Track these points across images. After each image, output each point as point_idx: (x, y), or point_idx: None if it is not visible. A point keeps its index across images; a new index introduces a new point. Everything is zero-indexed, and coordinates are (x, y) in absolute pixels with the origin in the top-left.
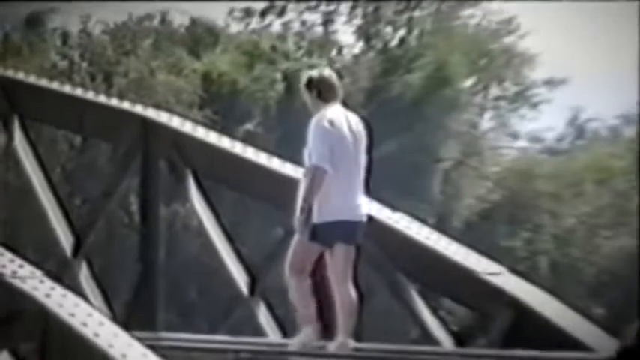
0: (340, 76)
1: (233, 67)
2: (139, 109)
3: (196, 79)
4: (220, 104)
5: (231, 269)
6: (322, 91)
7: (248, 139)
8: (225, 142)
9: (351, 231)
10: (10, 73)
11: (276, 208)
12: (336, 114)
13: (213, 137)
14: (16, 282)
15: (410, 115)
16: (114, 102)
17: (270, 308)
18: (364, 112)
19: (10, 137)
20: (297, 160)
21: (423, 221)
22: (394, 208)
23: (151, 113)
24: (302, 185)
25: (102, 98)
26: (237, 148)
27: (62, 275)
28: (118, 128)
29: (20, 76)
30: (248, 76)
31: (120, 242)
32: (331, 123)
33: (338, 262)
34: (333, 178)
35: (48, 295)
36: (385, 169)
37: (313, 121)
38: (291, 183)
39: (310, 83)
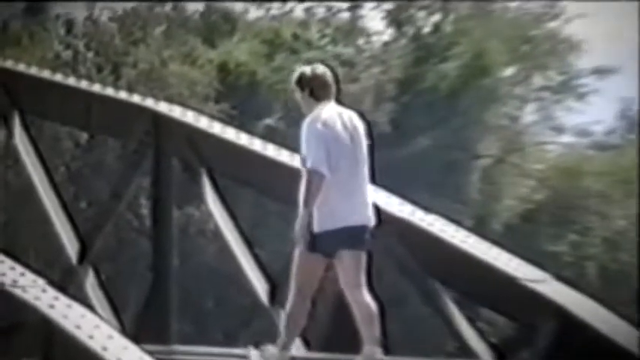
0: (335, 73)
1: (252, 56)
2: (149, 103)
3: (212, 70)
4: (238, 97)
5: (249, 276)
6: (315, 89)
7: (268, 135)
8: (243, 139)
9: (356, 236)
10: (9, 64)
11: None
12: (330, 113)
13: (230, 133)
14: (17, 291)
15: (445, 107)
16: (122, 95)
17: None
18: (394, 105)
19: (10, 134)
20: None
21: (459, 223)
22: (427, 209)
23: (163, 107)
24: (300, 192)
25: (109, 91)
26: (257, 145)
27: (67, 284)
28: (127, 124)
29: (20, 67)
30: (268, 67)
31: (129, 248)
32: (325, 124)
33: (347, 269)
34: (332, 182)
35: (51, 306)
36: (418, 166)
37: (305, 123)
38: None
39: (302, 81)
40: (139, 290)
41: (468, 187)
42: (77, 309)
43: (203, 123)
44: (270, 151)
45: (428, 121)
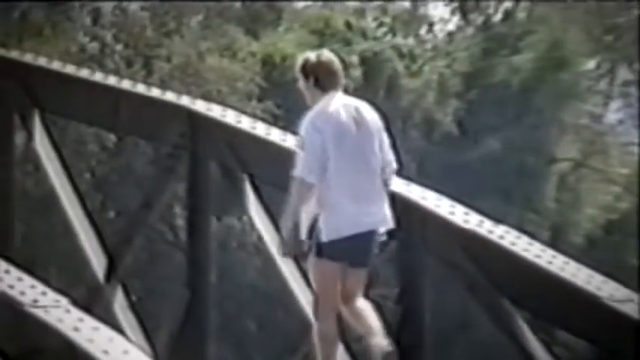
0: (343, 61)
1: (300, 49)
2: (185, 101)
3: (255, 64)
4: (284, 95)
5: (297, 295)
6: (320, 77)
7: None
8: (289, 141)
9: (362, 249)
10: (28, 58)
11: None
12: (333, 106)
13: (275, 135)
14: (38, 312)
15: (517, 105)
16: (155, 93)
17: (345, 343)
18: (460, 102)
19: (30, 137)
20: None
21: (533, 236)
22: (497, 219)
23: (200, 106)
24: (288, 202)
25: (140, 88)
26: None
27: (93, 304)
28: (159, 125)
29: (41, 62)
30: None
31: (162, 263)
32: (326, 118)
33: (347, 285)
34: (337, 185)
35: (76, 329)
36: (487, 171)
37: (308, 117)
38: None
39: (306, 68)
40: (173, 311)
41: (543, 195)
42: (104, 332)
43: (245, 123)
44: None
45: (498, 120)
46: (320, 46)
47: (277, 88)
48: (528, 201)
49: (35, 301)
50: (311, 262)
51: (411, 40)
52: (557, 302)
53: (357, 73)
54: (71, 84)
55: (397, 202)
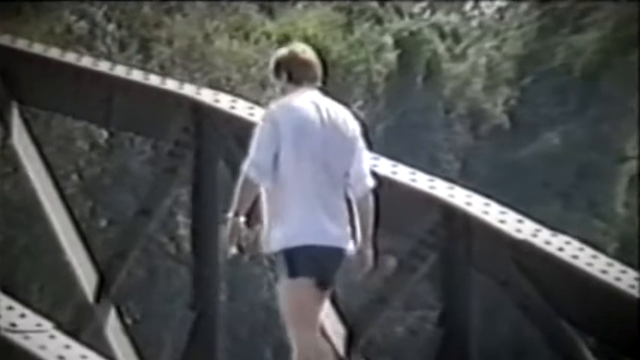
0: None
1: (323, 28)
2: (188, 90)
3: (270, 46)
4: None
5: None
6: (293, 71)
7: None
8: None
9: (325, 262)
10: (5, 40)
11: (384, 230)
12: (299, 100)
13: None
14: (16, 338)
15: (580, 93)
16: (153, 81)
17: None
18: (513, 90)
19: (7, 133)
20: (414, 160)
21: (598, 247)
22: (556, 227)
23: (206, 96)
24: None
25: (136, 75)
26: None
27: (81, 328)
28: (159, 118)
29: (21, 45)
30: (345, 42)
31: (163, 280)
32: (288, 111)
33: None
34: (290, 189)
35: (61, 357)
36: (543, 170)
37: (266, 110)
38: (408, 194)
39: (278, 64)
40: (176, 335)
41: (610, 199)
42: None
43: (258, 116)
44: None
45: (556, 111)
46: (347, 24)
47: None
48: (593, 206)
49: (13, 325)
50: (280, 285)
51: (454, 18)
52: (627, 325)
53: (390, 56)
54: (55, 71)
55: (437, 207)
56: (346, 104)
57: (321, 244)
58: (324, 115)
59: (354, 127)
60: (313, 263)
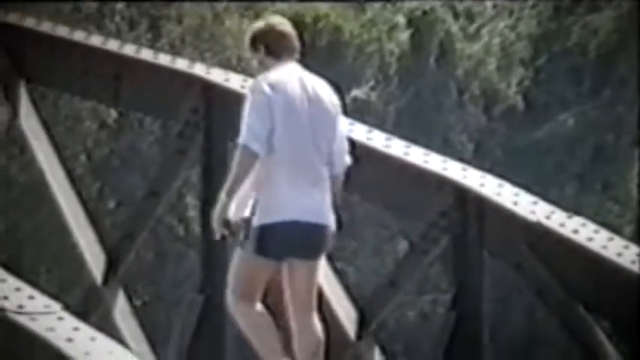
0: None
1: (335, 7)
2: (198, 70)
3: None
4: (317, 62)
5: (331, 303)
6: (270, 43)
7: (357, 111)
8: None
9: (309, 238)
10: (12, 18)
11: (396, 213)
12: (285, 75)
13: None
14: (23, 320)
15: (595, 74)
16: (163, 60)
17: (386, 356)
18: (527, 70)
19: (14, 113)
20: (427, 141)
21: (615, 229)
22: (572, 209)
23: (217, 76)
24: (229, 173)
25: (146, 54)
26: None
27: (89, 310)
28: (168, 98)
29: (28, 23)
30: (357, 21)
31: (172, 263)
32: (273, 87)
33: (297, 285)
34: (278, 163)
35: (70, 339)
36: (558, 152)
37: (253, 83)
38: (420, 177)
39: (254, 38)
40: (185, 319)
41: (625, 181)
42: (103, 343)
43: None
44: (359, 132)
45: (571, 92)
46: (359, 3)
47: (308, 54)
48: (608, 188)
49: (21, 306)
50: (238, 252)
51: None
52: None
53: (403, 36)
54: (63, 49)
55: (450, 189)
56: (358, 84)
57: (309, 220)
58: (310, 91)
59: (336, 103)
60: (290, 242)
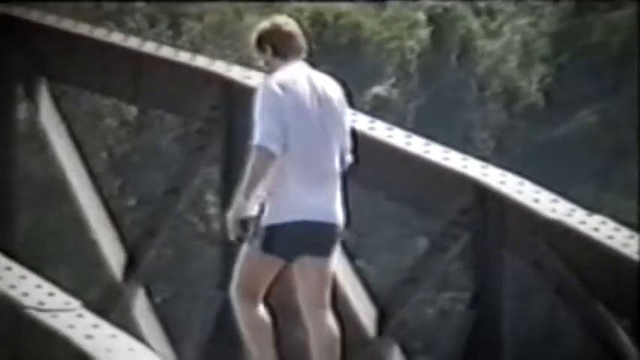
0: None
1: (356, 4)
2: (219, 67)
3: (302, 23)
4: (338, 60)
5: (351, 300)
6: (278, 44)
7: (377, 109)
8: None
9: (320, 237)
10: (33, 16)
11: (417, 210)
12: (293, 74)
13: None
14: (44, 317)
15: (616, 71)
16: (183, 57)
17: (406, 353)
18: (548, 68)
19: (35, 110)
20: (447, 139)
21: (633, 227)
22: (592, 207)
23: (237, 73)
24: (245, 174)
25: (166, 52)
26: (361, 123)
27: (109, 307)
28: (189, 95)
29: (49, 20)
30: (377, 18)
31: (192, 260)
32: (284, 86)
33: (308, 282)
34: (289, 162)
35: (89, 336)
36: (578, 150)
37: (262, 85)
38: (441, 175)
39: (260, 39)
40: (205, 316)
41: None
42: (123, 340)
43: None
44: (380, 130)
45: (592, 89)
46: (380, 1)
47: (329, 51)
48: (628, 186)
49: (41, 303)
50: (244, 248)
51: None
52: None
53: (423, 33)
54: (84, 47)
55: (470, 187)
56: (378, 81)
57: (319, 220)
58: (319, 89)
59: (343, 100)
60: (299, 241)
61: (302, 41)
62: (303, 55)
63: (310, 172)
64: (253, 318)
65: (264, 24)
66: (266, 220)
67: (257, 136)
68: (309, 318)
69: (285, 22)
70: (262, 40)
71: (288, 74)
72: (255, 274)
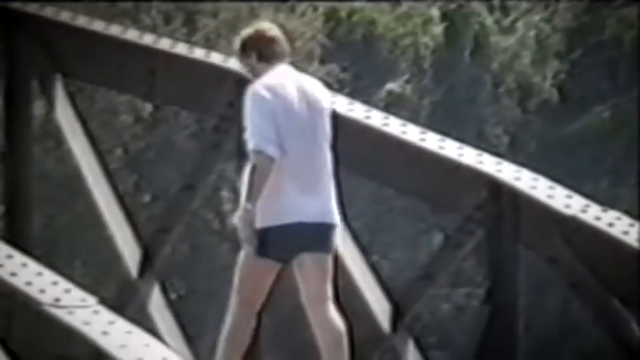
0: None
1: (369, 2)
2: (234, 63)
3: (316, 19)
4: (351, 56)
5: (366, 296)
6: (262, 49)
7: (391, 105)
8: (357, 110)
9: (317, 235)
10: (49, 13)
11: (432, 206)
12: (280, 79)
13: (341, 103)
14: (60, 313)
15: (631, 67)
16: (198, 54)
17: (421, 349)
18: (562, 64)
19: (51, 107)
20: (462, 135)
21: None
22: (606, 203)
23: None
24: (244, 180)
25: (181, 49)
26: (375, 119)
27: (125, 303)
28: (204, 92)
29: (64, 17)
30: (391, 15)
31: (207, 256)
32: (272, 90)
33: (309, 278)
34: (282, 166)
35: (105, 333)
36: (593, 146)
37: (248, 92)
38: (454, 170)
39: (244, 45)
40: (219, 312)
41: None
42: (139, 337)
43: None
44: (394, 126)
45: (607, 85)
46: None
47: (343, 48)
48: None
49: (57, 300)
50: (242, 254)
51: None
52: None
53: (437, 29)
54: (100, 43)
55: (485, 183)
56: (392, 77)
57: (314, 221)
58: (306, 92)
59: (329, 102)
60: (294, 243)
61: (285, 46)
62: (287, 59)
63: (303, 174)
64: (240, 329)
65: (248, 30)
66: (260, 223)
67: (253, 141)
68: (312, 314)
69: (269, 27)
70: (246, 46)
71: (276, 78)
72: (253, 279)
